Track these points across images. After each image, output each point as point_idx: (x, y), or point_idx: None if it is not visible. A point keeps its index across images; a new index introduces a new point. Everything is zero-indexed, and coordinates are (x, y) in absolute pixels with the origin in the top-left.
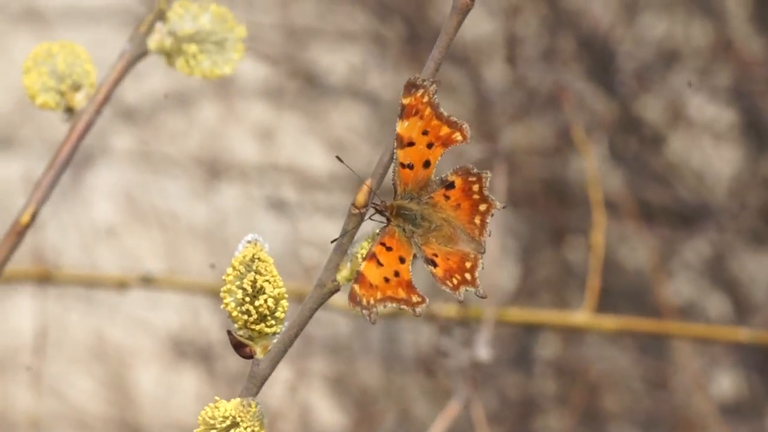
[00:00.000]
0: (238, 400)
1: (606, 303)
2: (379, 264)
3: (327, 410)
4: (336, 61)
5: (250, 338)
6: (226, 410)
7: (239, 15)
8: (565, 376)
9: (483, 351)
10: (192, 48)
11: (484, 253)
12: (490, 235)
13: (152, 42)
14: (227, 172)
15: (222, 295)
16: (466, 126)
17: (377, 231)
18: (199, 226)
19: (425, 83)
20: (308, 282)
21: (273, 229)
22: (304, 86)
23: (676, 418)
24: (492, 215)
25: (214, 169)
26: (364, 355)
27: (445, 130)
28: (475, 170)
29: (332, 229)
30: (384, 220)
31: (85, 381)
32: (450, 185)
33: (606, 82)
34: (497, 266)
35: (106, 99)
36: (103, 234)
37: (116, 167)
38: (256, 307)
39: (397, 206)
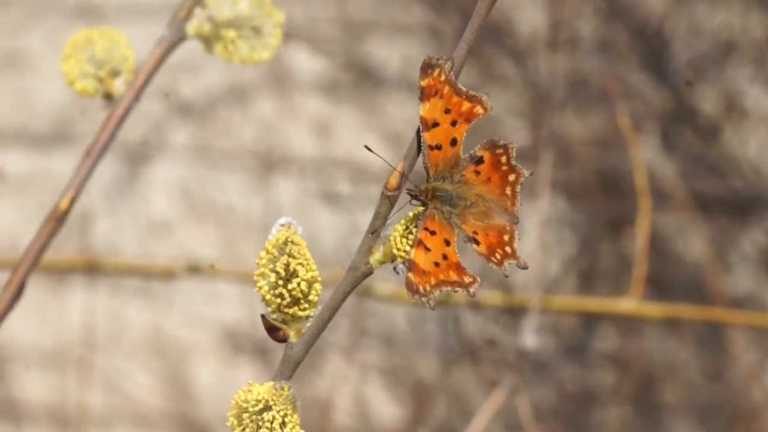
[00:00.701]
0: (271, 383)
1: (664, 295)
2: (427, 249)
3: (383, 403)
4: (392, 54)
5: (284, 322)
6: (258, 393)
7: (296, 10)
8: (622, 368)
9: (529, 339)
10: (230, 33)
11: (518, 223)
12: (521, 205)
13: (191, 28)
14: (283, 166)
15: (255, 278)
16: (485, 98)
17: (411, 214)
18: (255, 219)
19: (440, 62)
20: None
21: (329, 222)
22: (360, 79)
23: (734, 409)
24: (521, 184)
25: (270, 163)
26: (420, 348)
27: (466, 106)
28: (501, 142)
29: None
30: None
31: (143, 375)
32: (479, 160)
33: (660, 73)
34: (552, 257)
35: (145, 84)
36: (160, 228)
37: (173, 162)
38: (289, 291)
39: (432, 188)
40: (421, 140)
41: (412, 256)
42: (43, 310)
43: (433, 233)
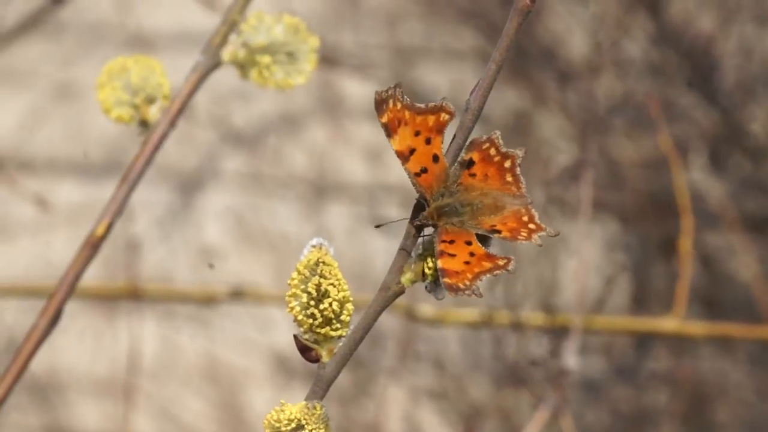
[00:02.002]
0: (304, 403)
1: (715, 315)
2: (451, 255)
3: (435, 427)
4: (442, 79)
5: (316, 342)
6: (291, 413)
7: (346, 36)
8: (675, 387)
9: (571, 359)
10: (265, 59)
11: (531, 202)
12: (525, 185)
13: (226, 54)
14: (335, 192)
15: (287, 299)
16: (446, 102)
17: (429, 233)
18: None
19: (389, 92)
20: (412, 297)
21: (381, 248)
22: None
23: None
24: (519, 165)
25: (322, 190)
26: (472, 370)
27: (431, 119)
28: (484, 136)
29: None
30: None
31: (196, 402)
32: (470, 163)
33: (708, 93)
34: (604, 279)
35: (180, 111)
36: (213, 256)
37: (226, 190)
38: (321, 311)
39: (435, 209)
40: (407, 173)
41: (440, 265)
42: (97, 338)
43: (452, 242)
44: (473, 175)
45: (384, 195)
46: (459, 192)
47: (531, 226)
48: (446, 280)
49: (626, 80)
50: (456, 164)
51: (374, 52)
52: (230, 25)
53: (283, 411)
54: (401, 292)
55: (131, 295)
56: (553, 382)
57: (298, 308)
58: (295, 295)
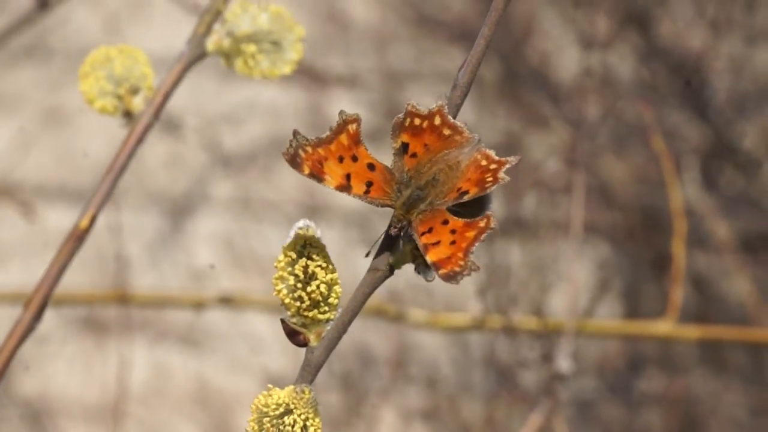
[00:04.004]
0: (292, 387)
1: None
2: (435, 245)
3: None
4: (432, 102)
5: (304, 325)
6: (279, 397)
7: (336, 59)
8: (669, 407)
9: (564, 363)
10: (250, 48)
11: (480, 140)
12: (466, 124)
13: (210, 43)
14: (326, 215)
15: (274, 282)
16: (344, 114)
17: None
18: None
19: (293, 144)
20: (401, 303)
21: None
22: None
23: None
24: (447, 112)
25: (312, 212)
26: (464, 391)
27: (343, 138)
28: (400, 115)
29: None
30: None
31: (188, 427)
32: (405, 147)
33: (700, 109)
34: (597, 300)
35: (164, 102)
36: (204, 280)
37: (216, 214)
38: (308, 293)
39: (401, 207)
40: (358, 198)
41: (429, 260)
42: (87, 364)
43: (430, 230)
44: (414, 155)
45: (375, 217)
46: (412, 178)
47: (492, 166)
48: (441, 271)
49: (616, 98)
50: (394, 157)
51: (364, 75)
52: (214, 14)
53: (270, 395)
54: (390, 274)
55: (119, 300)
56: (546, 388)
57: (285, 291)
58: (281, 278)
